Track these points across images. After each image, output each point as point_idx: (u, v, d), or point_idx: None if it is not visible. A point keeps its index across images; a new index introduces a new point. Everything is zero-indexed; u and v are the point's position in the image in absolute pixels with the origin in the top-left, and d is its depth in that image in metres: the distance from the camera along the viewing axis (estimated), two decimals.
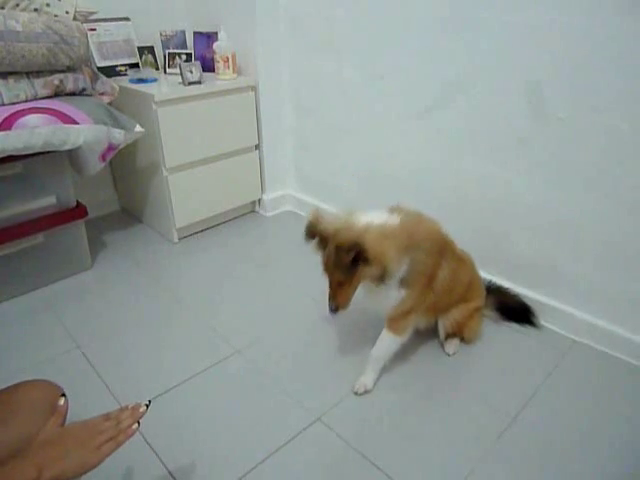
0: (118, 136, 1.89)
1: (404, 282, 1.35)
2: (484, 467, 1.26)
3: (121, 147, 1.95)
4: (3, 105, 1.66)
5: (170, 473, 1.25)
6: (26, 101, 1.71)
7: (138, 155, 2.33)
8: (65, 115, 1.73)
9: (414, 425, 1.39)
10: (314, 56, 2.26)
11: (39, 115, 1.68)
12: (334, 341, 1.71)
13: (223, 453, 1.31)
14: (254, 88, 2.36)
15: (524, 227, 1.75)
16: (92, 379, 1.54)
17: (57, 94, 1.80)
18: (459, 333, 1.64)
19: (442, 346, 1.66)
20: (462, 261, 1.54)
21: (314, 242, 1.33)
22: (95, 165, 1.96)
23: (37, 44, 1.66)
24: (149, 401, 0.92)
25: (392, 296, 1.36)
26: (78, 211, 2.01)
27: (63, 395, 0.91)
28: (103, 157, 1.94)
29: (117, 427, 0.86)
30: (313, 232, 1.31)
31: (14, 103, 1.68)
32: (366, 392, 1.48)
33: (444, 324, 1.61)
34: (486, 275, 1.90)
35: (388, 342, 1.47)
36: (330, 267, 1.28)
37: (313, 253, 1.34)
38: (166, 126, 2.10)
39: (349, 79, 2.15)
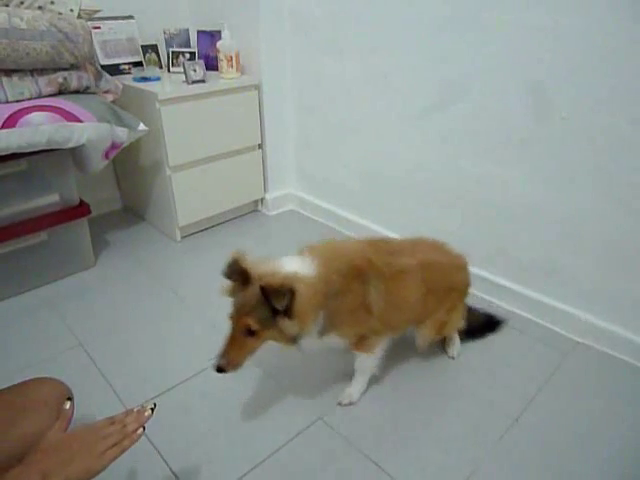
0: (121, 134, 1.89)
1: (324, 330, 1.24)
2: (485, 468, 1.26)
3: (124, 145, 1.95)
4: (7, 103, 1.67)
5: (171, 469, 1.25)
6: (30, 99, 1.71)
7: (141, 153, 2.33)
8: (69, 113, 1.74)
9: (415, 425, 1.39)
10: (317, 55, 2.26)
11: (43, 113, 1.69)
12: None
13: (224, 451, 1.31)
14: (257, 87, 2.36)
15: (525, 227, 1.75)
16: (94, 376, 1.55)
17: (61, 92, 1.80)
18: (440, 335, 1.57)
19: (444, 349, 1.66)
20: (407, 273, 1.36)
21: (232, 282, 1.18)
22: (98, 163, 1.96)
23: (41, 42, 1.66)
24: (154, 404, 0.91)
25: (325, 342, 1.28)
26: (81, 209, 2.01)
27: (69, 399, 0.90)
28: (106, 155, 1.94)
29: (122, 431, 0.84)
30: (236, 269, 1.15)
31: (18, 101, 1.69)
32: (351, 404, 1.44)
33: (422, 333, 1.50)
34: (487, 275, 1.90)
35: (362, 359, 1.43)
36: (243, 311, 1.13)
37: (225, 295, 1.19)
38: (169, 124, 2.10)
39: (352, 78, 2.15)
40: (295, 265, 1.18)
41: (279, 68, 2.40)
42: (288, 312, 1.10)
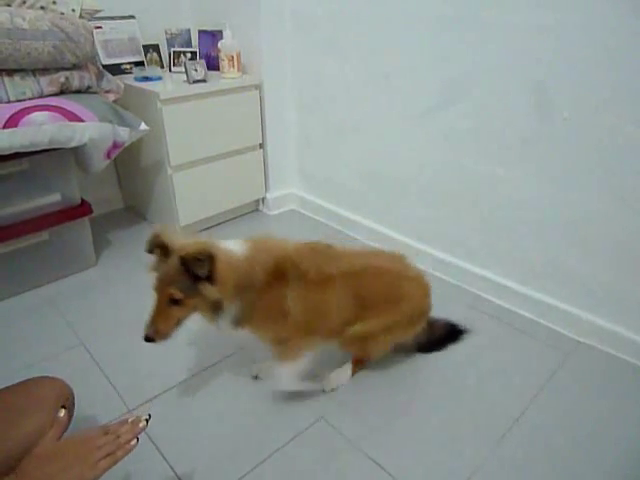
0: (123, 134, 1.89)
1: (239, 321, 1.26)
2: (487, 468, 1.26)
3: (126, 145, 1.95)
4: (9, 102, 1.67)
5: (172, 469, 1.25)
6: (32, 98, 1.72)
7: (143, 153, 2.33)
8: (71, 113, 1.74)
9: (417, 425, 1.39)
10: (318, 55, 2.26)
11: (45, 112, 1.69)
12: None
13: (226, 450, 1.31)
14: (258, 87, 2.36)
15: (529, 227, 1.74)
16: (96, 375, 1.55)
17: (63, 92, 1.80)
18: (361, 352, 1.48)
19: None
20: (336, 279, 1.31)
21: (155, 256, 1.20)
22: (100, 163, 1.96)
23: (43, 42, 1.66)
24: (149, 415, 0.91)
25: (239, 334, 1.30)
26: (83, 208, 2.02)
27: (63, 407, 0.90)
28: (108, 155, 1.94)
29: (115, 442, 0.84)
30: (156, 243, 1.18)
31: (20, 100, 1.69)
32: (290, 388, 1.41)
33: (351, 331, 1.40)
34: (490, 275, 1.90)
35: (286, 371, 1.36)
36: (165, 282, 1.15)
37: (149, 271, 1.21)
38: (171, 124, 2.10)
39: (353, 78, 2.15)
40: (224, 245, 1.23)
41: (280, 68, 2.40)
42: (209, 278, 1.13)
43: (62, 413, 0.88)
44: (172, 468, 1.26)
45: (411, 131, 2.00)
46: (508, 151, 1.71)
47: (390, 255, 1.48)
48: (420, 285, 1.46)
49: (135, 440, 0.86)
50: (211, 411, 1.43)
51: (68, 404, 1.03)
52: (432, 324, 1.58)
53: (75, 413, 1.07)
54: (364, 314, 1.37)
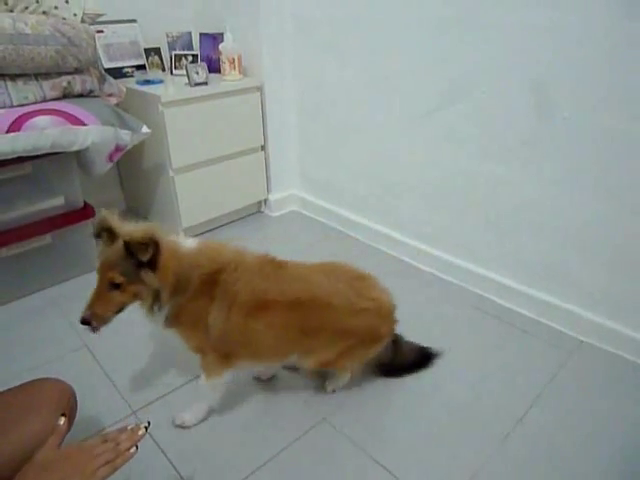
0: (125, 137, 1.90)
1: (168, 321, 1.26)
2: (490, 468, 1.26)
3: (128, 148, 1.97)
4: (12, 107, 1.68)
5: (175, 469, 1.26)
6: (35, 103, 1.73)
7: (145, 156, 2.34)
8: (73, 116, 1.75)
9: (419, 425, 1.39)
10: (319, 57, 2.27)
11: (48, 117, 1.70)
12: None
13: (229, 452, 1.32)
14: (260, 89, 2.37)
15: (530, 227, 1.75)
16: (99, 377, 1.56)
17: (65, 96, 1.82)
18: (324, 367, 1.42)
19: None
20: (270, 308, 1.26)
21: (101, 241, 1.19)
22: (102, 166, 1.97)
23: (45, 46, 1.68)
24: (148, 422, 0.91)
25: (162, 327, 1.28)
26: (86, 211, 2.03)
27: (63, 415, 0.89)
28: (110, 158, 1.95)
29: (115, 450, 0.84)
30: (103, 227, 1.17)
31: (23, 105, 1.70)
32: (183, 427, 1.38)
33: (306, 364, 1.38)
34: (493, 275, 1.90)
35: (206, 389, 1.37)
36: (107, 265, 1.14)
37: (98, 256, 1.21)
38: (172, 127, 2.11)
39: (353, 80, 2.15)
40: (173, 237, 1.23)
41: (281, 70, 2.41)
42: (151, 264, 1.13)
43: (62, 421, 0.88)
44: (175, 468, 1.26)
45: (412, 132, 2.01)
46: (509, 152, 1.71)
47: (351, 275, 1.37)
48: (377, 313, 1.35)
49: (134, 448, 0.86)
50: (214, 412, 1.43)
51: (69, 409, 1.04)
52: (401, 347, 1.52)
53: (79, 415, 1.08)
54: (309, 344, 1.33)
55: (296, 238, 2.44)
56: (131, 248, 1.10)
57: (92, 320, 1.16)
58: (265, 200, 2.68)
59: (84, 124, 1.77)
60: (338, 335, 1.33)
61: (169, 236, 1.22)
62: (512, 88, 1.63)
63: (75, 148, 1.79)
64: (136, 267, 1.13)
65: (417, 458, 1.29)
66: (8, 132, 1.62)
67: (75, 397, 1.07)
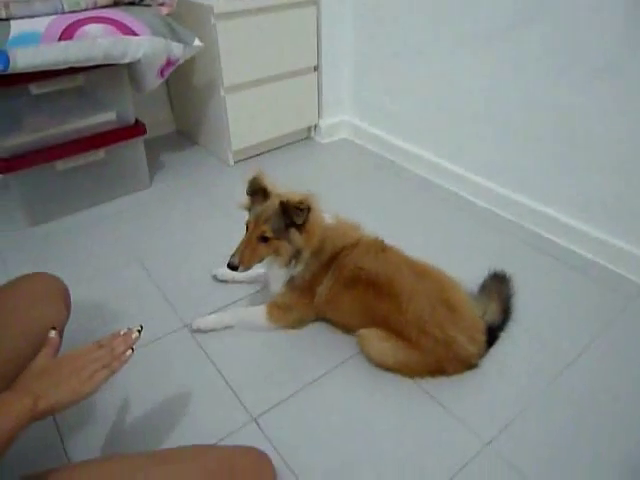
0: (177, 50, 1.83)
1: (290, 282, 1.37)
2: (535, 407, 1.24)
3: (180, 62, 1.90)
4: (64, 13, 1.63)
5: (220, 372, 1.30)
6: (86, 9, 1.67)
7: (195, 73, 2.27)
8: (125, 26, 1.69)
9: None
10: None
11: (100, 25, 1.65)
12: None
13: (271, 370, 1.35)
14: (316, 2, 2.22)
15: (601, 164, 1.61)
16: (150, 289, 1.60)
17: (116, 3, 1.75)
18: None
19: None
20: (357, 283, 1.31)
21: (250, 197, 1.33)
22: (153, 81, 1.92)
23: None
24: (141, 326, 0.91)
25: (278, 286, 1.40)
26: (137, 128, 2.01)
27: (54, 328, 0.89)
28: (161, 73, 1.90)
29: (111, 354, 0.85)
30: (257, 186, 1.30)
31: (74, 11, 1.65)
32: (199, 331, 1.44)
33: None
34: (553, 213, 1.79)
35: (256, 319, 1.44)
36: (261, 220, 1.26)
37: (242, 208, 1.35)
38: (225, 41, 2.02)
39: None
40: (321, 210, 1.34)
41: None
42: (300, 227, 1.26)
43: (52, 333, 0.88)
44: (220, 373, 1.31)
45: (481, 55, 1.83)
46: (593, 79, 1.54)
47: (441, 291, 1.28)
48: (445, 349, 1.25)
49: (130, 351, 0.87)
50: (260, 336, 1.45)
51: (68, 298, 1.07)
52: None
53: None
54: (376, 326, 1.31)
55: (346, 167, 2.36)
56: (287, 209, 1.23)
57: (239, 265, 1.27)
58: (315, 126, 2.58)
59: (136, 34, 1.71)
60: (398, 335, 1.27)
61: (319, 207, 1.32)
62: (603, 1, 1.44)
63: (127, 60, 1.74)
64: (286, 226, 1.26)
65: (466, 390, 1.27)
66: (60, 40, 1.58)
67: (68, 291, 1.09)
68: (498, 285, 1.47)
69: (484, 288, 1.48)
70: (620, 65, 1.47)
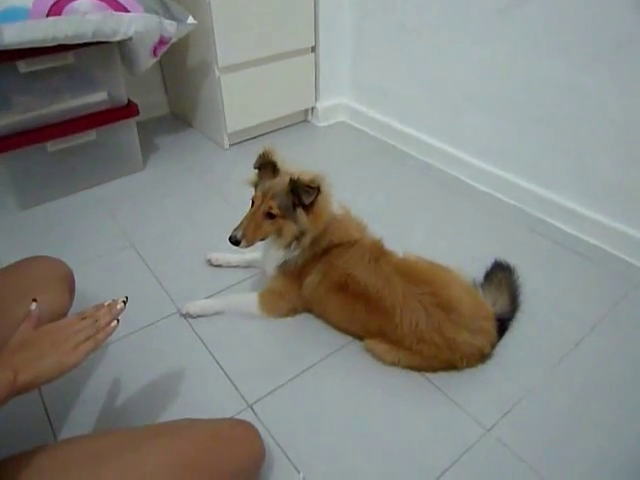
0: (170, 28, 1.78)
1: (283, 266, 1.33)
2: (540, 390, 1.22)
3: (173, 41, 1.84)
4: None
5: (217, 362, 1.27)
6: None
7: (189, 53, 2.21)
8: (115, 1, 1.63)
9: None
10: None
11: (89, 1, 1.59)
12: None
13: (269, 358, 1.33)
14: None
15: (608, 147, 1.57)
16: (145, 275, 1.57)
17: None
18: None
19: None
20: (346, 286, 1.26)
21: (258, 173, 1.29)
22: (146, 60, 1.87)
23: None
24: (126, 297, 0.87)
25: (272, 268, 1.36)
26: (129, 109, 1.96)
27: (34, 300, 0.85)
28: (154, 52, 1.84)
29: (95, 325, 0.81)
30: (266, 160, 1.27)
31: None
32: (188, 315, 1.40)
33: None
34: (556, 197, 1.76)
35: (247, 307, 1.40)
36: (269, 195, 1.22)
37: (248, 184, 1.31)
38: (219, 20, 1.96)
39: None
40: (331, 195, 1.28)
41: None
42: (308, 208, 1.22)
43: (33, 306, 0.84)
44: (218, 362, 1.28)
45: (484, 33, 1.78)
46: (600, 57, 1.49)
47: (436, 295, 1.20)
48: (449, 351, 1.21)
49: (115, 322, 0.83)
50: (255, 321, 1.42)
51: (72, 282, 1.07)
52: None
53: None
54: (370, 335, 1.29)
55: (343, 150, 2.32)
56: (297, 188, 1.19)
57: (241, 240, 1.23)
58: (312, 109, 2.53)
59: (127, 10, 1.65)
60: (398, 346, 1.24)
61: (330, 191, 1.27)
62: None
63: (118, 38, 1.69)
64: (293, 205, 1.21)
65: (469, 378, 1.25)
66: (48, 15, 1.52)
67: (72, 275, 1.08)
68: (506, 277, 1.43)
69: (491, 279, 1.44)
70: (624, 45, 1.43)
